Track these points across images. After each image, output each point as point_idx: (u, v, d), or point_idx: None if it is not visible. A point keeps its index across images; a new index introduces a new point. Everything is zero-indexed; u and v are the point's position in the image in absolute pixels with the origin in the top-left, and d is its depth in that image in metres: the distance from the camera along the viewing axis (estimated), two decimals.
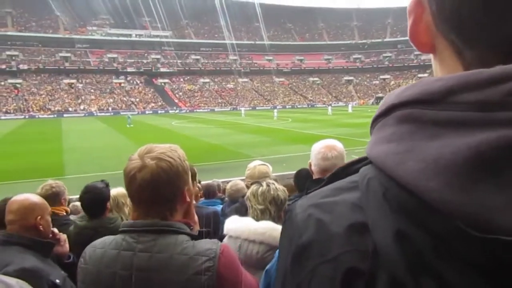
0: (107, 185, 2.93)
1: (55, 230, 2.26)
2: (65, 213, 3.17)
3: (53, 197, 2.97)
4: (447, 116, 0.38)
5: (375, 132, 0.46)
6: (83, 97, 65.10)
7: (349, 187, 0.46)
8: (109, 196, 2.95)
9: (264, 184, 1.95)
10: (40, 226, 2.04)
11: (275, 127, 32.49)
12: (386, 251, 0.37)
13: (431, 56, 0.45)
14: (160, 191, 1.25)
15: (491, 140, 0.34)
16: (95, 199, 2.81)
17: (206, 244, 1.26)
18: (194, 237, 1.29)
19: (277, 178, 5.76)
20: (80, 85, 68.82)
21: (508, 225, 0.32)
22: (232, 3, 79.69)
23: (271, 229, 1.76)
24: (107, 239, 1.33)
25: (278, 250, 0.50)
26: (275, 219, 1.87)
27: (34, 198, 2.12)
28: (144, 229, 1.25)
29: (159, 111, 62.99)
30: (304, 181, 3.08)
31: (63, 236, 2.35)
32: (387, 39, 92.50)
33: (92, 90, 67.98)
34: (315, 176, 2.19)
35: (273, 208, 1.89)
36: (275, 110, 46.67)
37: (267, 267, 1.59)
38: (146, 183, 1.23)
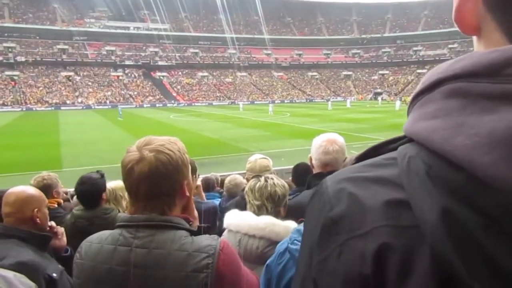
0: (102, 176, 2.91)
1: (53, 223, 2.24)
2: (57, 206, 3.15)
3: (45, 189, 2.94)
4: (504, 89, 0.36)
5: (416, 109, 0.44)
6: (80, 90, 64.79)
7: (385, 163, 0.45)
8: (105, 187, 2.93)
9: (262, 179, 1.92)
10: (37, 219, 2.02)
11: (273, 122, 32.45)
12: (431, 229, 0.36)
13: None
14: (159, 184, 1.21)
15: None
16: (90, 190, 2.79)
17: (205, 240, 1.23)
18: (193, 233, 1.25)
19: (276, 172, 5.74)
20: (78, 78, 68.47)
21: None
22: None
23: (271, 224, 1.74)
24: (104, 234, 1.29)
25: (303, 227, 0.51)
26: (272, 215, 1.84)
27: (31, 190, 2.09)
28: (141, 224, 1.21)
29: (157, 105, 62.78)
30: (302, 176, 3.05)
31: (61, 229, 2.32)
32: (386, 34, 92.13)
33: (89, 83, 67.64)
34: (315, 170, 2.16)
35: (270, 205, 1.86)
36: (271, 105, 45.87)
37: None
38: (144, 176, 1.19)
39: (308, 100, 72.73)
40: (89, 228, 2.64)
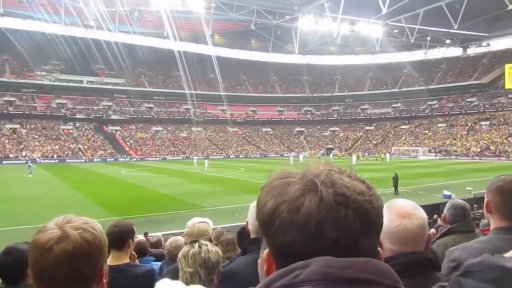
0: None
1: None
2: None
3: None
4: None
5: None
6: (25, 143, 61.80)
7: None
8: None
9: (196, 245, 1.88)
10: None
11: (227, 177, 32.39)
12: None
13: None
14: (81, 267, 1.07)
15: None
16: (13, 263, 2.46)
17: None
18: None
19: (230, 230, 5.61)
20: (24, 131, 65.49)
21: None
22: (188, 54, 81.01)
23: None
24: None
25: None
26: (205, 283, 1.80)
27: None
28: None
29: (108, 159, 60.93)
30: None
31: None
32: (335, 94, 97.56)
33: (36, 136, 64.81)
34: (252, 235, 2.16)
35: (203, 272, 1.82)
36: (206, 161, 43.87)
37: None
38: (65, 257, 1.05)
39: (262, 155, 73.79)
40: None
